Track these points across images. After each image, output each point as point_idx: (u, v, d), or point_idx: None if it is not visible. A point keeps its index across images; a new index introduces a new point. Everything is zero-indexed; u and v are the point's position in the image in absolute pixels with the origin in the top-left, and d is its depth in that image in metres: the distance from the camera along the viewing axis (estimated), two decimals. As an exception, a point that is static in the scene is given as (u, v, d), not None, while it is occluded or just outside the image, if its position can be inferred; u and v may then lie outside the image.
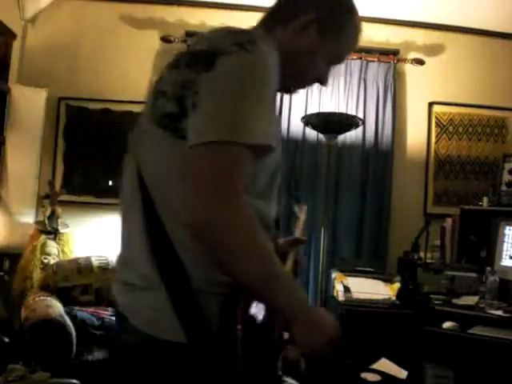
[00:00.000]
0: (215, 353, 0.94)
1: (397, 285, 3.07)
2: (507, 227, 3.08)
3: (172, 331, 0.96)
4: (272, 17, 1.22)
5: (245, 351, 0.94)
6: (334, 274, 3.28)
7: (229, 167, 0.92)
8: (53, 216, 3.40)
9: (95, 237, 3.64)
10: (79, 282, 3.11)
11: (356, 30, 1.24)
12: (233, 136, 0.92)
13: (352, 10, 1.22)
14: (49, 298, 2.93)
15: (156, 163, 1.03)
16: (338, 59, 1.26)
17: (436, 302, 2.95)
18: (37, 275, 3.21)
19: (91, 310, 2.95)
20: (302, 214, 1.60)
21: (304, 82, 1.27)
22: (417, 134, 3.92)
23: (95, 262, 3.19)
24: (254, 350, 1.00)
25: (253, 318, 1.01)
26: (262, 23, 1.22)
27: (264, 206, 1.08)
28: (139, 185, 1.05)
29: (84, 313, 2.88)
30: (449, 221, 3.47)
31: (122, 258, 1.12)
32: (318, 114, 3.44)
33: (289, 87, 1.29)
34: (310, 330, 1.02)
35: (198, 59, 1.00)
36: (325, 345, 1.05)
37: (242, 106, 0.95)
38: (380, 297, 2.98)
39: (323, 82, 1.27)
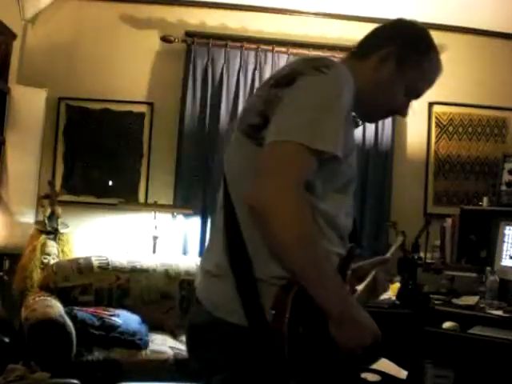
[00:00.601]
0: (267, 338, 1.04)
1: (397, 285, 3.07)
2: (507, 227, 3.08)
3: (235, 314, 1.09)
4: (353, 55, 1.34)
5: (293, 341, 1.04)
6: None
7: (295, 163, 1.06)
8: (53, 216, 3.40)
9: (95, 237, 3.64)
10: (79, 282, 3.11)
11: (435, 66, 1.32)
12: (305, 139, 1.05)
13: (431, 45, 1.32)
14: (49, 298, 2.93)
15: (236, 164, 1.21)
16: (415, 93, 1.32)
17: (436, 301, 2.95)
18: (37, 275, 3.21)
19: (91, 310, 2.94)
20: (398, 239, 1.60)
21: (382, 113, 1.38)
22: (417, 134, 3.93)
23: (95, 262, 3.19)
24: (306, 341, 1.07)
25: (304, 310, 1.06)
26: (344, 61, 1.34)
27: (332, 210, 1.18)
28: (224, 185, 1.22)
29: (84, 313, 2.88)
30: (449, 221, 3.47)
31: (208, 248, 1.29)
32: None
33: (367, 118, 1.41)
34: (346, 328, 1.09)
35: (281, 80, 1.16)
36: (360, 345, 1.14)
37: (316, 115, 1.08)
38: (380, 297, 2.98)
39: (403, 114, 1.36)
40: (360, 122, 1.45)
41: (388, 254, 1.49)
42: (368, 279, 1.34)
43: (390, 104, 1.32)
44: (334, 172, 1.16)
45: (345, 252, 1.26)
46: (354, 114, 1.35)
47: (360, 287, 1.32)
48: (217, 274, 1.17)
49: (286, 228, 1.03)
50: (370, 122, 1.47)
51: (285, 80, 1.15)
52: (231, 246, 1.14)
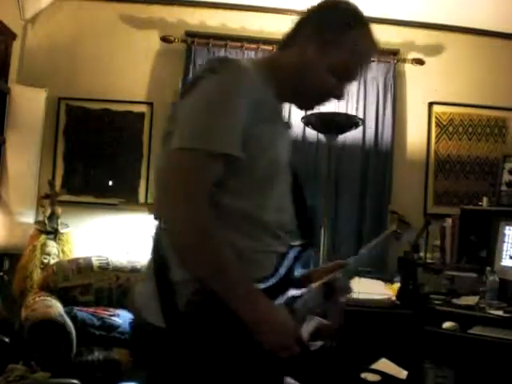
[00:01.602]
0: (183, 340, 1.08)
1: (397, 285, 3.07)
2: (507, 227, 3.08)
3: (155, 316, 1.11)
4: (280, 46, 1.33)
5: (208, 342, 1.07)
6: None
7: (191, 170, 1.09)
8: (53, 216, 3.41)
9: (95, 237, 3.64)
10: (79, 282, 3.11)
11: (361, 43, 1.26)
12: (199, 144, 1.08)
13: (353, 22, 1.25)
14: (49, 298, 2.93)
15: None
16: (346, 73, 1.28)
17: (436, 301, 2.95)
18: (37, 275, 3.22)
19: (91, 310, 2.95)
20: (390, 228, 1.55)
21: (317, 98, 1.32)
22: (417, 134, 3.93)
23: (95, 262, 3.19)
24: (224, 343, 1.09)
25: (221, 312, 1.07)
26: (271, 55, 1.36)
27: (252, 207, 1.17)
28: None
29: (84, 313, 2.88)
30: (449, 221, 3.47)
31: None
32: (318, 114, 3.44)
33: (305, 105, 1.36)
34: (263, 331, 1.09)
35: (188, 86, 1.19)
36: (282, 347, 1.12)
37: (208, 118, 1.10)
38: (380, 297, 2.98)
39: (338, 96, 1.31)
40: (291, 123, 1.47)
41: (362, 251, 1.44)
42: (323, 280, 1.32)
43: (321, 88, 1.28)
44: (247, 170, 1.15)
45: (287, 249, 1.26)
46: (288, 104, 1.35)
47: (314, 285, 1.30)
48: (146, 279, 1.20)
49: (186, 238, 1.07)
50: (307, 109, 1.42)
51: (189, 87, 1.18)
52: (154, 250, 1.18)
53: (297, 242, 1.34)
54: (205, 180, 1.09)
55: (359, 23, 1.26)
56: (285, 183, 1.28)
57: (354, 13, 1.27)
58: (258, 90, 1.17)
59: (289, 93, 1.29)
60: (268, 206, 1.20)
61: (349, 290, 1.39)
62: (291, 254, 1.28)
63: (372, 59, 1.35)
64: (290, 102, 1.34)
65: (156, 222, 1.20)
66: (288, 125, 1.40)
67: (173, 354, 1.10)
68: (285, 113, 1.38)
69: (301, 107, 1.38)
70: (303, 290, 1.28)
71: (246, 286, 1.10)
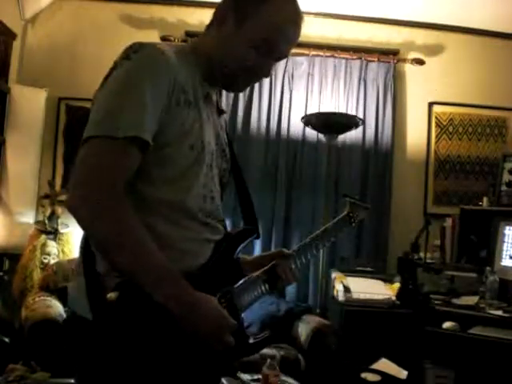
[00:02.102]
0: (110, 332, 1.07)
1: (397, 285, 3.07)
2: (507, 227, 3.09)
3: (83, 308, 1.10)
4: (206, 28, 1.28)
5: (137, 334, 1.06)
6: (334, 274, 3.28)
7: (99, 160, 1.05)
8: (53, 216, 3.41)
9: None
10: (79, 282, 3.11)
11: (280, 15, 1.19)
12: (106, 130, 1.05)
13: None
14: (49, 298, 2.93)
15: None
16: (269, 50, 1.21)
17: (436, 302, 2.95)
18: (37, 275, 3.22)
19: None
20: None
21: (242, 76, 1.25)
22: (417, 134, 3.92)
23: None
24: (154, 335, 1.07)
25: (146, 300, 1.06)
26: (200, 37, 1.30)
27: (175, 195, 1.14)
28: None
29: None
30: (449, 221, 3.47)
31: None
32: (318, 114, 3.44)
33: (230, 86, 1.30)
34: (192, 323, 1.07)
35: (104, 77, 1.17)
36: (215, 339, 1.09)
37: (116, 103, 1.07)
38: (380, 297, 2.98)
39: (263, 73, 1.26)
40: (223, 107, 1.38)
41: (307, 239, 1.41)
42: (265, 268, 1.30)
43: (243, 65, 1.21)
44: (168, 157, 1.12)
45: (221, 236, 1.24)
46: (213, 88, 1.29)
47: (256, 273, 1.29)
48: (75, 271, 1.23)
49: (100, 234, 1.05)
50: (235, 90, 1.37)
51: (105, 77, 1.16)
52: (81, 243, 1.16)
53: (236, 230, 1.32)
54: (115, 169, 1.05)
55: None
56: (213, 170, 1.23)
57: None
58: (176, 75, 1.13)
59: (213, 74, 1.24)
60: (192, 194, 1.17)
61: (294, 277, 1.35)
62: (230, 242, 1.25)
63: (296, 32, 1.25)
64: (218, 84, 1.28)
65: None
66: (221, 110, 1.34)
67: (99, 347, 1.09)
68: (217, 98, 1.32)
69: (228, 88, 1.33)
70: (243, 279, 1.25)
71: (168, 275, 1.06)
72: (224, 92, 3.69)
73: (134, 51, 1.14)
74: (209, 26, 1.27)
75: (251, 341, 1.25)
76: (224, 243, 1.24)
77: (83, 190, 1.05)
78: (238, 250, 1.28)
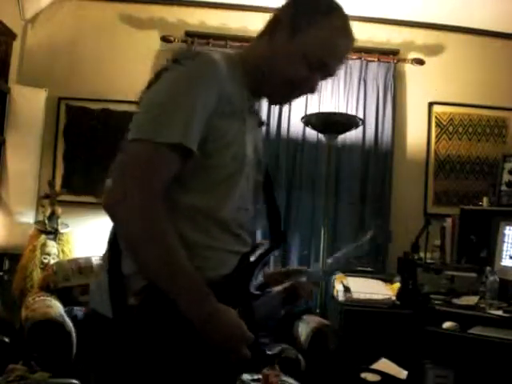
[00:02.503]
0: (129, 331, 1.07)
1: (397, 285, 3.07)
2: (507, 227, 3.08)
3: (104, 306, 1.10)
4: (257, 36, 1.28)
5: (156, 337, 1.06)
6: (334, 274, 3.28)
7: (141, 162, 1.06)
8: (53, 216, 3.40)
9: (95, 237, 3.63)
10: (79, 282, 3.11)
11: (333, 33, 1.20)
12: (152, 135, 1.06)
13: (325, 11, 1.20)
14: (49, 298, 2.93)
15: None
16: (320, 65, 1.21)
17: (436, 302, 2.95)
18: (37, 275, 3.21)
19: (91, 310, 2.94)
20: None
21: (289, 90, 1.25)
22: (417, 134, 3.92)
23: (95, 262, 3.19)
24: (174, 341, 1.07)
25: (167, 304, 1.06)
26: (248, 45, 1.31)
27: (212, 203, 1.15)
28: None
29: (84, 313, 2.88)
30: (449, 221, 3.47)
31: None
32: (318, 114, 3.44)
33: (278, 98, 1.31)
34: (210, 333, 1.06)
35: (152, 79, 1.17)
36: (231, 349, 1.09)
37: (164, 109, 1.08)
38: (380, 297, 2.98)
39: (311, 89, 1.26)
40: (264, 120, 1.39)
41: (338, 254, 1.41)
42: (286, 285, 1.30)
43: (293, 78, 1.21)
44: (208, 166, 1.13)
45: (249, 248, 1.23)
46: (261, 100, 1.31)
47: (277, 289, 1.28)
48: (100, 268, 1.22)
49: (133, 234, 1.05)
50: (279, 102, 1.37)
51: (154, 78, 1.16)
52: (109, 242, 1.18)
53: (263, 242, 1.31)
54: (156, 173, 1.06)
55: (334, 12, 1.21)
56: (249, 182, 1.23)
57: (330, 1, 1.23)
58: (225, 85, 1.13)
59: (260, 86, 1.24)
60: (228, 205, 1.16)
61: (312, 297, 1.36)
62: (255, 255, 1.25)
63: (347, 53, 1.26)
64: (263, 95, 1.29)
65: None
66: (261, 122, 1.36)
67: (116, 345, 1.09)
68: (260, 110, 1.33)
69: (273, 101, 1.34)
70: (264, 293, 1.25)
71: (193, 283, 1.06)
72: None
73: (188, 58, 1.14)
74: (260, 36, 1.26)
75: (269, 352, 1.25)
76: (250, 256, 1.23)
77: (124, 189, 1.06)
78: (262, 263, 1.27)
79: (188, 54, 1.15)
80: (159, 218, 1.05)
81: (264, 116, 3.73)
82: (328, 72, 1.25)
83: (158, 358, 1.07)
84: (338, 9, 1.22)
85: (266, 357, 1.24)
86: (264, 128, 3.69)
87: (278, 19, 1.22)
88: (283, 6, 1.24)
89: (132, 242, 1.07)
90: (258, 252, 1.26)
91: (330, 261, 1.41)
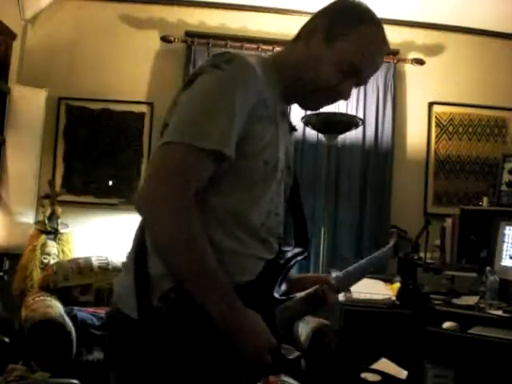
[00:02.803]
0: (154, 333, 1.06)
1: (397, 285, 3.07)
2: (507, 227, 3.08)
3: (129, 307, 1.11)
4: (292, 40, 1.28)
5: (181, 339, 1.07)
6: (334, 274, 3.27)
7: (177, 164, 1.05)
8: (53, 216, 3.41)
9: (95, 237, 3.64)
10: (79, 282, 3.11)
11: (368, 41, 1.21)
12: (190, 139, 1.05)
13: (362, 18, 1.21)
14: (49, 298, 2.93)
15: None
16: (353, 72, 1.22)
17: (436, 302, 2.95)
18: (37, 275, 3.22)
19: (91, 310, 2.95)
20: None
21: (322, 96, 1.26)
22: (417, 134, 3.93)
23: (95, 262, 3.19)
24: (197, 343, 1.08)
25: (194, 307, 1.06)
26: (283, 49, 1.30)
27: (242, 206, 1.15)
28: None
29: (84, 313, 2.88)
30: (449, 221, 3.47)
31: None
32: (318, 114, 3.44)
33: (310, 103, 1.31)
34: (234, 337, 1.07)
35: (187, 81, 1.15)
36: (254, 355, 1.09)
37: (203, 113, 1.07)
38: (380, 297, 2.98)
39: (344, 95, 1.26)
40: (295, 127, 1.39)
41: (351, 268, 1.40)
42: (309, 291, 1.27)
43: (328, 84, 1.21)
44: (241, 169, 1.13)
45: (275, 255, 1.22)
46: (293, 104, 1.31)
47: (300, 295, 1.26)
48: (125, 268, 1.20)
49: (165, 235, 1.04)
50: (312, 108, 1.35)
51: (189, 81, 1.15)
52: (135, 241, 1.17)
53: (289, 249, 1.30)
54: (191, 176, 1.06)
55: (371, 21, 1.23)
56: (280, 187, 1.24)
57: (367, 10, 1.24)
58: (262, 89, 1.14)
59: (294, 91, 1.25)
60: (258, 208, 1.17)
61: (335, 303, 1.37)
62: (281, 261, 1.24)
63: (381, 60, 1.28)
64: (296, 101, 1.30)
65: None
66: (293, 128, 1.36)
67: (141, 347, 1.09)
68: (290, 115, 1.32)
69: (305, 106, 1.33)
70: (287, 299, 1.23)
71: (222, 288, 1.07)
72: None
73: (226, 61, 1.11)
74: (295, 41, 1.26)
75: (290, 357, 1.24)
76: (275, 262, 1.23)
77: (159, 191, 1.04)
78: (286, 270, 1.26)
79: (226, 58, 1.12)
80: (193, 223, 1.05)
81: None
82: (361, 79, 1.27)
83: (182, 361, 1.07)
84: (373, 17, 1.24)
85: (287, 362, 1.23)
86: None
87: (315, 24, 1.23)
88: (320, 12, 1.25)
89: (163, 243, 1.05)
90: (284, 258, 1.25)
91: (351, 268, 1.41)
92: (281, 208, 1.26)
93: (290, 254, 1.28)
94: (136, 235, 1.17)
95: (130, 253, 1.19)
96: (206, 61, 1.17)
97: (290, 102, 1.32)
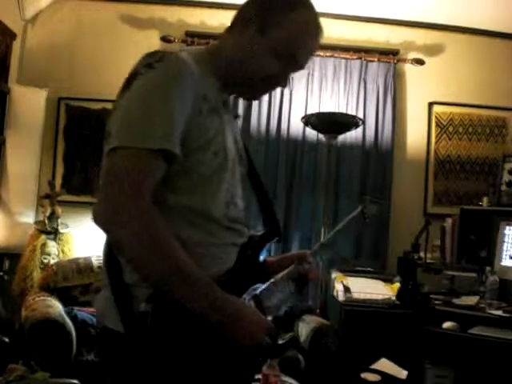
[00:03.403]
0: (143, 344, 1.06)
1: (397, 285, 3.07)
2: (507, 227, 3.08)
3: (113, 320, 1.10)
4: (226, 30, 1.26)
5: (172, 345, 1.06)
6: (334, 274, 3.28)
7: (128, 171, 1.05)
8: (53, 216, 3.40)
9: (95, 237, 3.63)
10: (79, 282, 3.11)
11: (303, 27, 1.20)
12: (134, 142, 1.05)
13: (295, 5, 1.19)
14: (49, 298, 2.93)
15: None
16: (290, 59, 1.21)
17: (436, 302, 2.95)
18: (37, 275, 3.22)
19: (91, 310, 2.94)
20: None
21: (259, 84, 1.25)
22: (417, 134, 3.93)
23: (95, 262, 3.19)
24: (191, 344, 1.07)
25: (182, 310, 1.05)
26: (218, 41, 1.29)
27: (200, 202, 1.14)
28: None
29: (84, 313, 2.88)
30: (449, 221, 3.47)
31: None
32: (318, 114, 3.44)
33: (249, 93, 1.31)
34: (231, 328, 1.07)
35: (125, 83, 1.16)
36: (254, 341, 1.09)
37: (143, 114, 1.06)
38: (380, 297, 2.98)
39: (280, 83, 1.27)
40: (239, 114, 1.41)
41: (324, 239, 1.41)
42: (289, 269, 1.28)
43: (264, 73, 1.21)
44: (191, 165, 1.12)
45: (245, 239, 1.23)
46: (232, 96, 1.31)
47: (280, 275, 1.27)
48: (103, 286, 1.19)
49: (131, 243, 1.03)
50: (251, 98, 1.36)
51: (126, 83, 1.15)
52: (105, 256, 1.17)
53: (259, 232, 1.31)
54: (144, 179, 1.04)
55: (301, 6, 1.20)
56: (235, 176, 1.23)
57: None
58: (198, 83, 1.12)
59: (232, 81, 1.23)
60: (215, 201, 1.16)
61: (319, 275, 1.38)
62: (254, 245, 1.25)
63: (316, 45, 1.25)
64: (235, 91, 1.29)
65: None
66: (236, 115, 1.35)
67: (134, 360, 1.08)
68: (231, 103, 1.32)
69: (244, 96, 1.33)
70: (269, 282, 1.24)
71: (207, 287, 1.06)
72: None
73: (157, 60, 1.11)
74: (228, 30, 1.25)
75: (280, 342, 1.24)
76: (249, 246, 1.24)
77: (115, 203, 1.04)
78: (262, 252, 1.28)
79: (157, 57, 1.12)
80: (158, 229, 1.04)
81: (264, 116, 3.73)
82: (298, 66, 1.25)
83: (179, 363, 1.07)
84: (304, 3, 1.22)
85: (277, 347, 1.23)
86: (264, 128, 3.72)
87: (247, 13, 1.21)
88: (250, 1, 1.23)
89: (136, 257, 1.05)
90: (255, 241, 1.26)
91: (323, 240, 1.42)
92: (238, 197, 1.25)
93: (262, 237, 1.29)
94: (104, 251, 1.17)
95: (102, 269, 1.19)
96: (139, 60, 1.17)
97: (230, 93, 1.30)
